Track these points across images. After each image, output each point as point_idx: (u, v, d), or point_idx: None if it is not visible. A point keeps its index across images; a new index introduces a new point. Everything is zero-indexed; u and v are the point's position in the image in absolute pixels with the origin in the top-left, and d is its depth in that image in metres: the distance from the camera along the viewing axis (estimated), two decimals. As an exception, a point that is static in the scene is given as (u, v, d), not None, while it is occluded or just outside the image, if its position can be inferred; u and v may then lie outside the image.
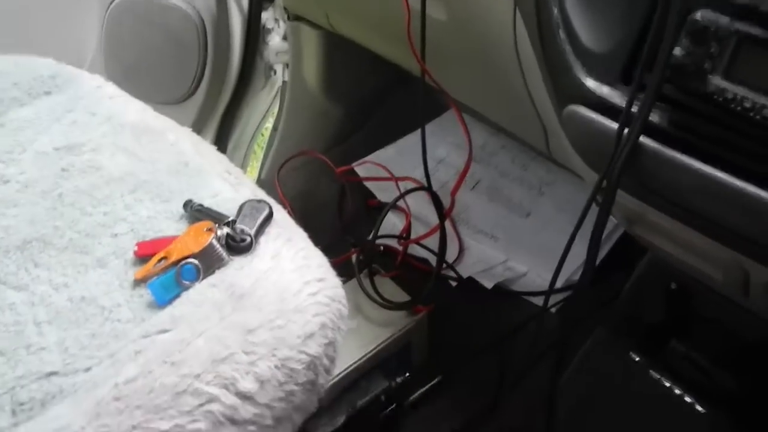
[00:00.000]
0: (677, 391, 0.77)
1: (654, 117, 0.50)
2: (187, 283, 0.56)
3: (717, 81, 0.46)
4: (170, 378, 0.49)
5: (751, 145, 0.46)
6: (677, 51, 0.46)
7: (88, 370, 0.52)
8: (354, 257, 1.01)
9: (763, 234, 0.47)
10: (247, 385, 0.51)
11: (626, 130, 0.50)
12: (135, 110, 0.76)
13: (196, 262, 0.57)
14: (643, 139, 0.50)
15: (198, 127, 1.33)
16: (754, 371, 0.74)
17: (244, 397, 0.51)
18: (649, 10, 0.49)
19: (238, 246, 0.59)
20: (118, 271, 0.59)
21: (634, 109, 0.49)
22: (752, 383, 0.74)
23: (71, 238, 0.62)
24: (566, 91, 0.55)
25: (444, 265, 1.06)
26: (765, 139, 0.45)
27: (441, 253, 0.99)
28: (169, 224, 0.63)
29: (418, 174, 1.27)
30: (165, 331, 0.53)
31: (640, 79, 0.48)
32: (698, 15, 0.46)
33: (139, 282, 0.57)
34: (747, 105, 0.44)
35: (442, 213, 1.00)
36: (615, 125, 0.51)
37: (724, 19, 0.45)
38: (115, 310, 0.55)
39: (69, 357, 0.52)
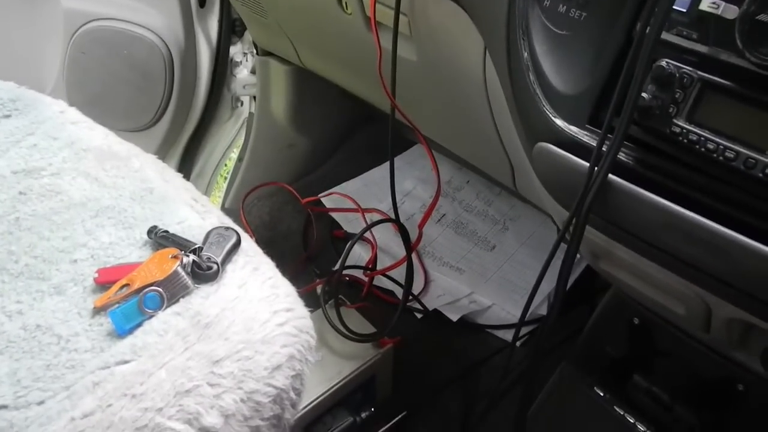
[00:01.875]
0: (641, 428, 0.78)
1: (622, 156, 0.51)
2: (150, 311, 0.54)
3: (681, 124, 0.48)
4: (130, 412, 0.47)
5: (714, 185, 0.47)
6: (644, 95, 0.48)
7: (41, 403, 0.49)
8: (319, 288, 1.00)
9: (725, 269, 0.49)
10: (212, 420, 0.49)
11: (595, 169, 0.51)
12: (99, 136, 0.74)
13: (159, 289, 0.55)
14: (611, 177, 0.51)
15: (161, 156, 1.31)
16: (713, 407, 0.76)
17: (208, 432, 0.49)
18: (616, 57, 0.51)
19: (204, 274, 0.57)
20: (76, 299, 0.56)
21: (603, 148, 0.51)
22: (712, 419, 0.75)
23: (27, 264, 0.59)
24: (536, 129, 0.57)
25: (410, 297, 1.06)
26: (726, 179, 0.46)
27: (407, 285, 0.99)
28: (132, 251, 0.61)
29: (384, 206, 1.27)
30: (125, 361, 0.51)
31: (609, 121, 0.50)
32: (663, 62, 0.48)
33: (98, 310, 0.55)
34: (710, 146, 0.46)
35: (409, 245, 1.00)
36: (585, 163, 0.52)
37: (687, 67, 0.47)
38: (73, 340, 0.53)
39: (21, 389, 0.50)
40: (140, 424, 0.47)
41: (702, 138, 0.46)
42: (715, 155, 0.46)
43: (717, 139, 0.46)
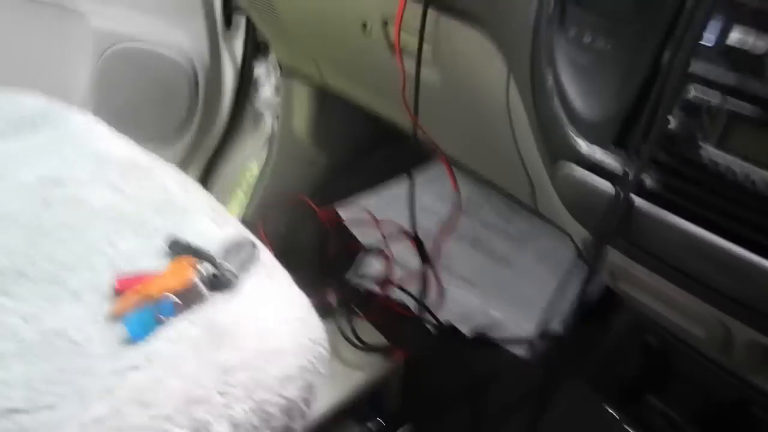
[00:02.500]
0: (652, 448, 0.77)
1: (647, 180, 0.50)
2: (164, 319, 0.55)
3: (709, 150, 0.47)
4: (140, 419, 0.48)
5: (740, 211, 0.47)
6: (671, 121, 0.47)
7: (52, 407, 0.49)
8: (334, 299, 1.00)
9: (748, 294, 0.48)
10: (221, 429, 0.49)
11: (620, 191, 0.50)
12: (122, 147, 0.76)
13: (175, 298, 0.56)
14: (635, 198, 0.51)
15: (183, 169, 1.32)
16: (726, 430, 0.74)
17: (217, 441, 0.49)
18: (643, 82, 0.51)
19: (220, 284, 0.58)
20: (93, 305, 0.57)
21: (628, 170, 0.50)
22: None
23: (46, 269, 0.60)
24: (559, 151, 0.56)
25: (423, 310, 1.06)
26: (753, 205, 0.46)
27: (421, 297, 0.99)
28: (151, 260, 0.62)
29: (402, 220, 1.27)
30: (138, 368, 0.51)
31: (636, 146, 0.49)
32: (691, 91, 0.47)
33: (114, 317, 0.56)
34: (737, 173, 0.46)
35: (425, 258, 0.99)
36: (609, 185, 0.51)
37: (715, 95, 0.47)
38: (87, 345, 0.53)
39: (33, 393, 0.50)
40: (149, 431, 0.47)
41: (729, 165, 0.46)
42: (742, 182, 0.45)
43: (744, 167, 0.45)
